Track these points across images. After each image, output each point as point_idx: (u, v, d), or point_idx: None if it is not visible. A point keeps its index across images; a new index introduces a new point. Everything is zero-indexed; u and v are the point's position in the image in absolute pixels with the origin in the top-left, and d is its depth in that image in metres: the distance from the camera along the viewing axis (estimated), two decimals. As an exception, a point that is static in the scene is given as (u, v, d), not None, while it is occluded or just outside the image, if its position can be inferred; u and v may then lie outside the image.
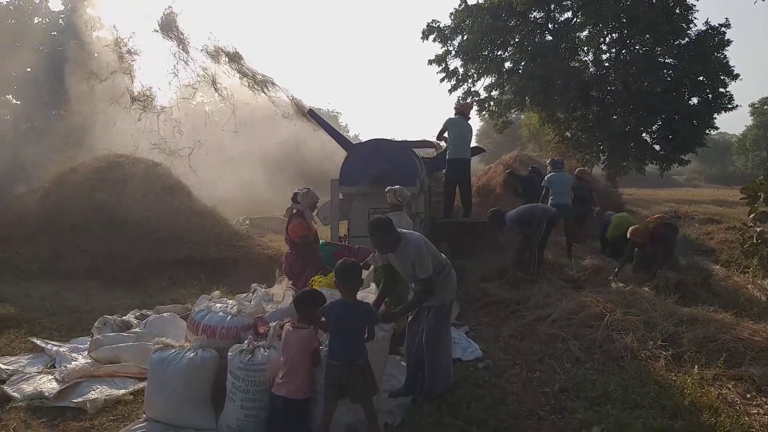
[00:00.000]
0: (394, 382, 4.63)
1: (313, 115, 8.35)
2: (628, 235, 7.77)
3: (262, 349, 3.85)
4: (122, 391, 4.49)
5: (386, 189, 5.69)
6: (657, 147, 24.22)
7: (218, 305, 4.48)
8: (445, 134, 9.19)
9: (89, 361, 4.98)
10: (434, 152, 10.88)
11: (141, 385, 4.48)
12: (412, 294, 4.35)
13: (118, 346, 5.10)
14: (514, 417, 4.05)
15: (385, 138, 7.59)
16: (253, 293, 5.02)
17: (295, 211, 6.16)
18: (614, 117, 23.66)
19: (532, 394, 4.46)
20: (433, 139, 10.06)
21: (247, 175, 19.96)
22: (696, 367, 4.69)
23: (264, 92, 8.50)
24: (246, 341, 3.89)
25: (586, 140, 24.17)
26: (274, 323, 4.03)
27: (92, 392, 4.43)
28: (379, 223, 3.97)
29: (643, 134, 24.12)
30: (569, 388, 4.52)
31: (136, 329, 5.61)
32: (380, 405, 4.09)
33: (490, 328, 6.25)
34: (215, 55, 8.26)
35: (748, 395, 4.35)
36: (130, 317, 6.19)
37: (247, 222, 15.65)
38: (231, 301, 4.66)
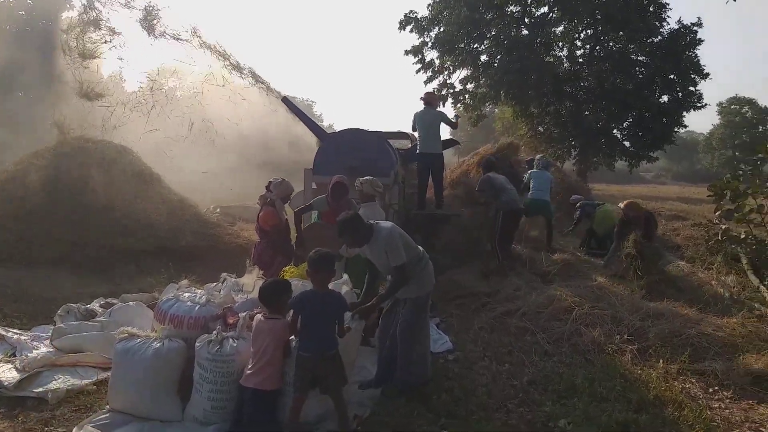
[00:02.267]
0: (365, 373, 4.62)
1: (287, 103, 8.22)
2: (623, 209, 8.13)
3: (230, 339, 3.80)
4: (85, 381, 4.38)
5: (357, 180, 5.65)
6: (627, 143, 24.66)
7: (186, 294, 4.39)
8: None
9: (51, 350, 4.86)
10: (408, 143, 10.85)
11: (105, 375, 4.39)
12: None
13: (82, 335, 4.98)
14: (484, 409, 4.07)
15: (361, 128, 7.52)
16: (222, 283, 4.94)
17: (268, 200, 6.14)
18: (586, 113, 23.99)
19: (501, 386, 4.49)
20: (409, 130, 10.00)
21: (219, 163, 19.65)
22: (661, 361, 4.79)
23: (239, 74, 8.34)
24: (214, 332, 3.83)
25: (559, 135, 24.52)
26: (244, 313, 3.98)
27: (54, 382, 4.31)
28: (346, 222, 3.98)
29: (614, 130, 24.54)
30: (537, 380, 4.57)
31: (101, 318, 5.47)
32: (350, 396, 4.09)
33: (460, 320, 6.28)
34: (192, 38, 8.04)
35: (711, 390, 4.46)
36: (94, 306, 6.05)
37: (218, 210, 15.41)
38: (200, 291, 4.58)
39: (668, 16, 23.92)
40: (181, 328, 4.10)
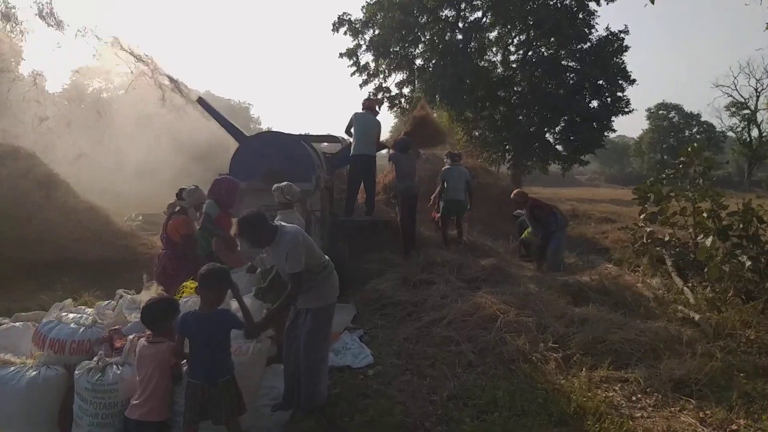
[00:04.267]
0: (275, 394, 4.25)
1: (202, 104, 7.75)
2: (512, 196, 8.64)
3: (114, 366, 3.38)
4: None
5: (273, 187, 5.30)
6: (559, 147, 25.25)
7: (71, 315, 3.93)
8: (352, 129, 8.90)
9: None
10: (340, 147, 10.52)
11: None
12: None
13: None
14: (399, 429, 3.80)
15: (280, 131, 7.16)
16: (118, 300, 4.47)
17: (177, 208, 5.72)
18: (520, 117, 24.40)
19: (420, 402, 4.23)
20: (341, 133, 9.71)
21: (147, 167, 18.72)
22: (584, 369, 4.67)
23: (151, 77, 7.81)
24: (96, 357, 3.40)
25: (493, 139, 24.84)
26: (132, 336, 3.55)
27: None
28: (248, 220, 3.64)
29: (547, 135, 25.09)
30: (459, 395, 4.34)
31: (-21, 342, 4.87)
32: (260, 421, 3.74)
33: (385, 332, 6.00)
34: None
35: (634, 397, 4.35)
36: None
37: (140, 218, 14.66)
38: (90, 310, 4.12)
39: (596, 23, 24.69)
40: (62, 353, 3.67)
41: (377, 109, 9.22)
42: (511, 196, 8.66)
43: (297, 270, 3.68)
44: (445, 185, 9.13)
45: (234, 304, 3.64)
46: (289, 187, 5.29)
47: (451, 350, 5.26)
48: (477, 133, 25.81)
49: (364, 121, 8.82)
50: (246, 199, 6.70)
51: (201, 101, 7.81)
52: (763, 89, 53.21)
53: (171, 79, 7.69)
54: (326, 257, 4.08)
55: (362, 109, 8.94)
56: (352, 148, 8.84)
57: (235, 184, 5.76)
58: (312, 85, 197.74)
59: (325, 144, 10.07)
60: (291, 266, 3.67)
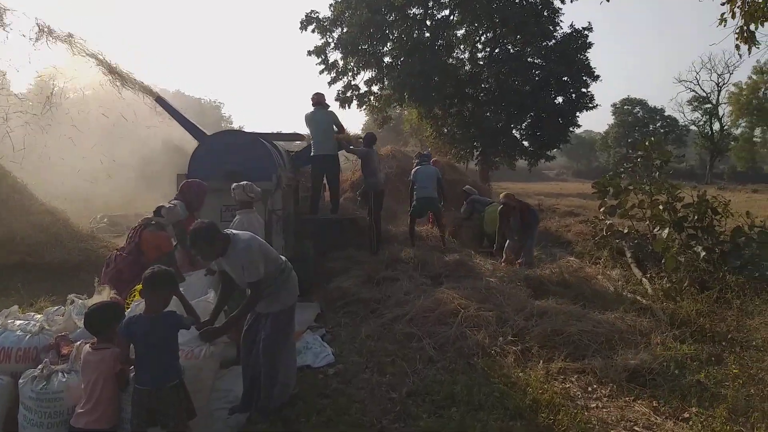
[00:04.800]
0: (232, 397, 4.21)
1: (161, 103, 7.61)
2: (501, 198, 8.40)
3: (60, 373, 3.30)
4: None
5: (233, 186, 5.23)
6: (526, 143, 25.52)
7: (18, 322, 3.83)
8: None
9: None
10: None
11: None
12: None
13: None
14: (356, 427, 3.79)
15: (239, 129, 7.07)
16: (69, 305, 4.35)
17: (154, 222, 5.61)
18: (487, 114, 24.57)
19: (379, 400, 4.23)
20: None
21: (112, 169, 18.27)
22: (541, 362, 4.73)
23: (108, 76, 7.58)
24: (40, 365, 3.31)
25: (462, 136, 24.96)
26: (78, 342, 3.47)
27: None
28: (199, 233, 3.55)
29: (514, 131, 25.30)
30: (417, 391, 4.35)
31: None
32: (210, 426, 3.70)
33: (348, 330, 6.00)
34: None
35: (590, 388, 4.42)
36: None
37: (105, 220, 14.38)
38: (38, 316, 4.01)
39: (561, 21, 25.02)
40: (8, 362, 3.58)
41: (326, 102, 9.13)
42: (501, 198, 8.54)
43: (256, 279, 3.64)
44: (415, 185, 9.16)
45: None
46: (248, 186, 5.24)
47: (413, 346, 5.27)
48: (446, 130, 25.91)
49: (315, 119, 8.72)
50: (205, 199, 6.62)
51: (159, 100, 7.67)
52: (724, 84, 54.76)
53: (125, 77, 7.48)
54: (283, 259, 4.04)
55: (312, 106, 8.84)
56: (312, 148, 8.79)
57: (204, 187, 5.68)
58: (283, 83, 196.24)
59: (298, 142, 10.03)
60: (249, 275, 3.63)
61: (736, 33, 6.80)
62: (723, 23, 6.86)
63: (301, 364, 4.96)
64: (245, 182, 5.33)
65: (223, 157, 6.63)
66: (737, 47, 6.89)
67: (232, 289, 3.92)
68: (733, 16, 6.69)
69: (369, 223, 8.64)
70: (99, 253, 8.50)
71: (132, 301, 4.20)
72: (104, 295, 4.41)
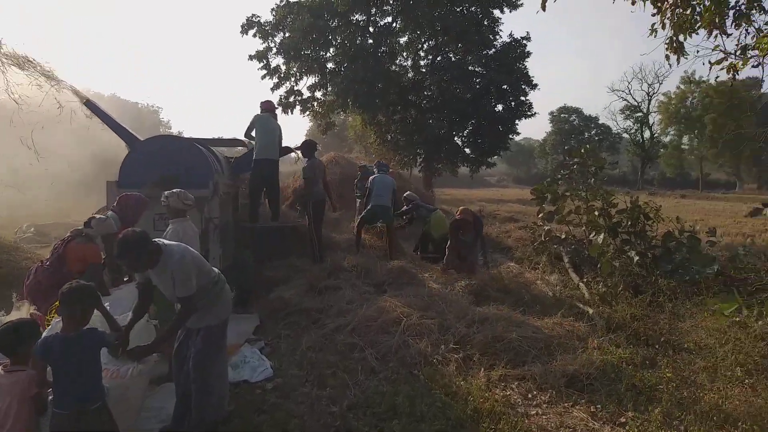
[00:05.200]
0: (163, 415, 4.00)
1: (90, 107, 7.24)
2: (459, 215, 8.24)
3: (-34, 399, 3.01)
4: None
5: (165, 193, 4.99)
6: (468, 150, 25.93)
7: None
8: (253, 132, 8.65)
9: None
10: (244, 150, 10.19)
11: None
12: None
13: None
14: (295, 445, 3.67)
15: (174, 135, 6.80)
16: (-17, 323, 4.03)
17: (84, 233, 5.32)
18: (430, 121, 24.81)
19: (319, 415, 4.10)
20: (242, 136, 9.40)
21: (42, 177, 17.36)
22: (482, 369, 4.72)
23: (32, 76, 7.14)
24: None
25: (405, 143, 25.10)
26: (-11, 364, 3.19)
27: None
28: (129, 242, 3.33)
29: (456, 138, 25.65)
30: (359, 403, 4.25)
31: None
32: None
33: (288, 341, 5.82)
34: None
35: (530, 395, 4.44)
36: None
37: (32, 230, 13.61)
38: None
39: (501, 30, 25.60)
40: None
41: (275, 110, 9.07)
42: (459, 214, 8.46)
43: (188, 294, 3.46)
44: (372, 192, 9.12)
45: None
46: (181, 193, 5.00)
47: (355, 357, 5.17)
48: (389, 137, 26.00)
49: (267, 125, 8.65)
50: (137, 207, 6.33)
51: (89, 104, 7.29)
52: (654, 93, 57.55)
53: (53, 78, 7.07)
54: (217, 271, 3.86)
55: (261, 111, 8.74)
56: (254, 152, 8.60)
57: (144, 201, 5.42)
58: (224, 88, 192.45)
59: (239, 148, 9.79)
60: (181, 290, 3.45)
61: (666, 43, 7.08)
62: (654, 34, 7.12)
63: (238, 380, 4.79)
64: (178, 190, 5.10)
65: (156, 163, 6.35)
66: (667, 57, 7.16)
67: (149, 302, 3.72)
68: (663, 27, 6.95)
69: (309, 234, 8.47)
70: (22, 265, 7.99)
71: (53, 317, 3.93)
72: (23, 311, 4.14)
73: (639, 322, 5.73)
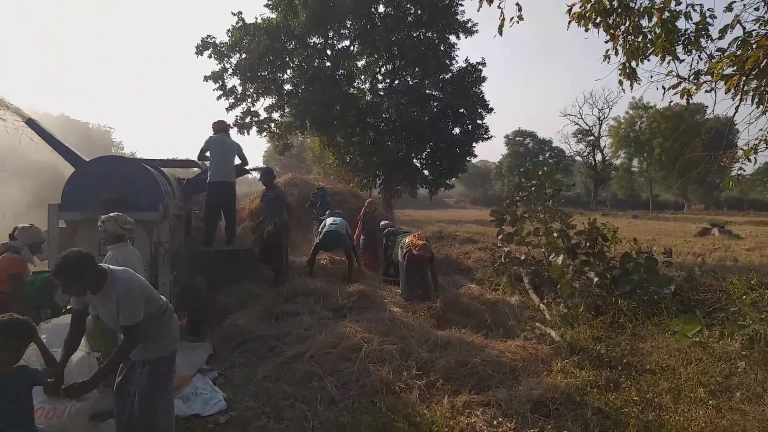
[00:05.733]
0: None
1: (32, 125, 6.86)
2: (419, 252, 7.65)
3: None
4: None
5: (102, 218, 4.70)
6: (426, 172, 26.05)
7: None
8: (207, 154, 8.39)
9: None
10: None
11: None
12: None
13: None
14: (249, 485, 3.41)
15: (121, 155, 6.49)
16: None
17: (10, 246, 5.18)
18: (389, 143, 24.84)
19: (274, 450, 3.87)
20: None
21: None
22: (446, 396, 4.57)
23: None
24: None
25: (364, 164, 25.01)
26: None
27: None
28: (69, 262, 3.05)
29: (414, 160, 25.74)
30: (317, 437, 4.03)
31: None
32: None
33: (243, 370, 5.54)
34: None
35: (495, 422, 4.30)
36: None
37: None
38: None
39: (457, 56, 25.98)
40: None
41: (229, 130, 8.88)
42: (419, 251, 7.70)
43: (133, 322, 3.20)
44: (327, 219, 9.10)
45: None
46: (119, 217, 4.71)
47: (313, 386, 4.95)
48: (348, 158, 25.85)
49: (221, 146, 8.43)
50: (80, 231, 6.00)
51: (31, 122, 6.91)
52: (605, 118, 59.61)
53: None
54: (164, 299, 3.60)
55: (214, 132, 8.51)
56: (209, 174, 8.35)
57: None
58: (180, 107, 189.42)
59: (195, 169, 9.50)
60: (126, 318, 3.17)
61: (620, 69, 7.21)
62: (607, 60, 7.25)
63: (189, 413, 4.50)
64: (116, 213, 4.83)
65: (102, 184, 6.02)
66: (620, 83, 7.29)
67: (81, 332, 3.45)
68: (616, 54, 7.08)
69: (283, 261, 8.15)
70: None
71: None
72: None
73: (601, 343, 5.70)
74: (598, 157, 60.71)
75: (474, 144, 25.89)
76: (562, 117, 75.84)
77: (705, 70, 5.44)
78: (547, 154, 70.18)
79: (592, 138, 60.55)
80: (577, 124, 61.78)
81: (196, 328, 6.77)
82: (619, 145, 60.50)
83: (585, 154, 61.88)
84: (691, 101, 5.59)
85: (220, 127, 8.63)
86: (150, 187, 6.22)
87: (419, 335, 5.75)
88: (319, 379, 5.04)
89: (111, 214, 4.68)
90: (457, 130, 25.68)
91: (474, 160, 34.07)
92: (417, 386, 4.80)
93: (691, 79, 5.61)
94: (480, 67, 25.59)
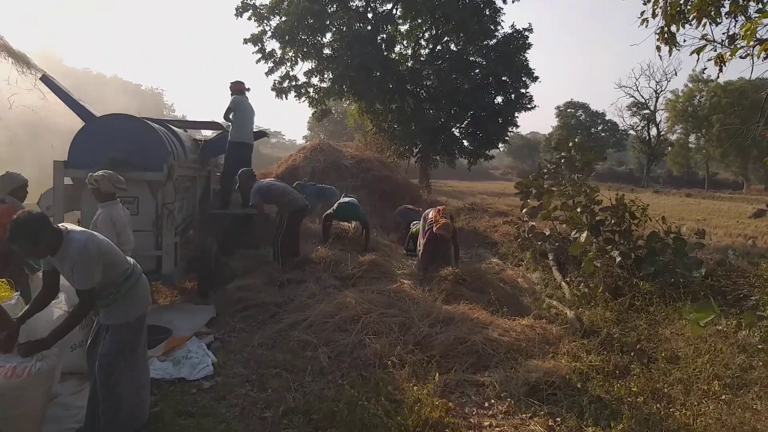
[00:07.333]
0: (83, 416, 3.63)
1: (46, 82, 6.84)
2: (439, 230, 6.95)
3: None
4: None
5: (91, 176, 4.63)
6: (465, 142, 25.40)
7: None
8: (230, 115, 8.29)
9: None
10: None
11: None
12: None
13: None
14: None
15: (128, 114, 6.38)
16: None
17: None
18: (428, 111, 24.29)
19: (249, 420, 3.75)
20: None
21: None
22: (437, 374, 4.35)
23: None
24: None
25: (402, 132, 24.53)
26: None
27: None
28: (23, 225, 2.95)
29: (453, 129, 25.10)
30: (297, 408, 3.88)
31: None
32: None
33: (242, 336, 5.44)
34: None
35: (487, 404, 4.09)
36: None
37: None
38: None
39: (502, 21, 24.99)
40: None
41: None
42: (439, 230, 6.89)
43: (87, 287, 3.08)
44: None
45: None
46: (112, 176, 4.65)
47: (307, 356, 4.82)
48: (386, 126, 25.42)
49: (244, 107, 8.41)
50: (86, 191, 5.96)
51: (45, 79, 6.89)
52: (662, 91, 56.77)
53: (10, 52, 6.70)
54: (131, 263, 3.45)
55: (234, 93, 8.40)
56: (231, 134, 8.24)
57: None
58: (225, 70, 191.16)
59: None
60: (79, 282, 3.07)
61: (657, 33, 6.66)
62: (645, 23, 6.70)
63: (176, 376, 4.44)
64: (108, 172, 4.76)
65: (108, 143, 5.94)
66: (658, 48, 6.73)
67: (53, 293, 3.35)
68: (654, 16, 6.53)
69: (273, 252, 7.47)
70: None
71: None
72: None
73: (615, 326, 5.34)
74: (653, 131, 58.10)
75: (516, 114, 25.05)
76: (617, 89, 72.91)
77: (740, 33, 4.87)
78: (599, 127, 67.71)
79: (647, 111, 57.87)
80: (633, 96, 58.99)
81: (203, 291, 6.74)
82: (676, 119, 57.55)
83: (639, 128, 59.28)
84: (725, 68, 5.01)
85: (239, 88, 8.49)
86: (156, 146, 6.10)
87: (422, 309, 5.50)
88: (314, 349, 4.91)
89: (101, 172, 4.65)
90: (499, 99, 24.90)
91: (524, 132, 33.18)
92: (411, 361, 4.59)
93: (725, 43, 5.04)
94: (526, 33, 24.59)
